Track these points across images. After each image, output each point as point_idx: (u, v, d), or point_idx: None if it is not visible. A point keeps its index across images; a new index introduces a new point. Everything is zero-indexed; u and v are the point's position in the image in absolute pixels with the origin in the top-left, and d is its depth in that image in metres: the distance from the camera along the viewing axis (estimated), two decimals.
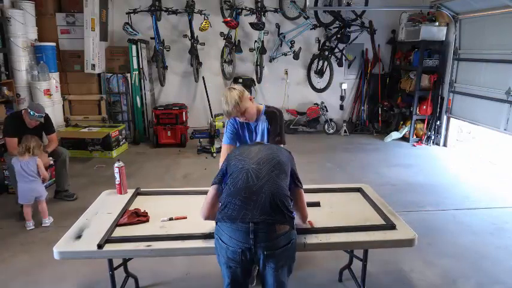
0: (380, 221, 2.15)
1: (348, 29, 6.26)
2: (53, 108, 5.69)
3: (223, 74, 7.02)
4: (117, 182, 2.51)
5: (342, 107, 7.54)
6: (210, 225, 2.12)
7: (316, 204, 2.35)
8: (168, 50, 6.59)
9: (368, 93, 7.38)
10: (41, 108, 3.81)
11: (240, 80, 6.91)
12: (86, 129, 5.89)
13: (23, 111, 3.78)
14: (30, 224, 3.47)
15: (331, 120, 7.28)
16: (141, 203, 2.38)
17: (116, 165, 2.48)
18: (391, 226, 2.07)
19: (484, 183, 4.67)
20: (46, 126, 3.93)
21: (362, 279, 2.33)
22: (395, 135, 6.83)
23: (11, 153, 3.71)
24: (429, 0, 6.07)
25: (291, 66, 7.12)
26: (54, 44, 5.86)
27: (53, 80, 5.77)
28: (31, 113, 3.64)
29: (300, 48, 6.51)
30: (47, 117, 3.90)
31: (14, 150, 3.69)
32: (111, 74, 6.43)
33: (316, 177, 4.87)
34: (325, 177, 4.90)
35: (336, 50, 6.48)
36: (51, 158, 3.87)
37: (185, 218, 2.20)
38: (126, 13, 6.00)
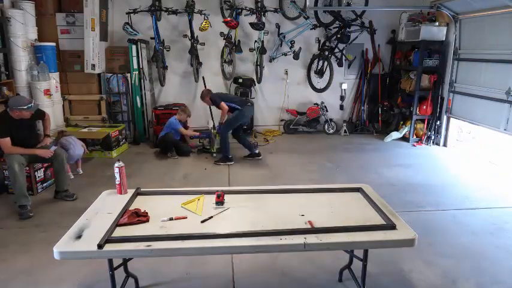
0: (380, 221, 2.15)
1: (348, 29, 6.25)
2: (53, 108, 5.70)
3: (223, 74, 7.02)
4: (117, 182, 2.51)
5: (342, 107, 7.54)
6: (210, 225, 2.13)
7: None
8: (168, 50, 6.59)
9: (368, 93, 7.38)
10: (25, 98, 3.84)
11: (240, 80, 6.91)
12: (86, 129, 5.88)
13: (8, 110, 3.68)
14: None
15: (331, 120, 7.28)
16: (141, 203, 2.38)
17: (116, 165, 2.48)
18: (391, 226, 2.07)
19: (484, 183, 4.67)
20: (36, 113, 3.92)
21: (362, 279, 2.33)
22: (395, 135, 6.83)
23: (9, 153, 3.71)
24: (429, 0, 6.07)
25: (291, 66, 7.12)
26: (54, 44, 5.86)
27: (53, 80, 5.78)
28: (25, 107, 3.63)
29: (300, 48, 6.51)
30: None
31: (9, 149, 3.69)
32: (111, 74, 6.43)
33: (316, 177, 4.88)
34: (325, 177, 4.90)
35: (336, 50, 6.47)
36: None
37: (185, 218, 2.20)
38: (126, 13, 6.00)
